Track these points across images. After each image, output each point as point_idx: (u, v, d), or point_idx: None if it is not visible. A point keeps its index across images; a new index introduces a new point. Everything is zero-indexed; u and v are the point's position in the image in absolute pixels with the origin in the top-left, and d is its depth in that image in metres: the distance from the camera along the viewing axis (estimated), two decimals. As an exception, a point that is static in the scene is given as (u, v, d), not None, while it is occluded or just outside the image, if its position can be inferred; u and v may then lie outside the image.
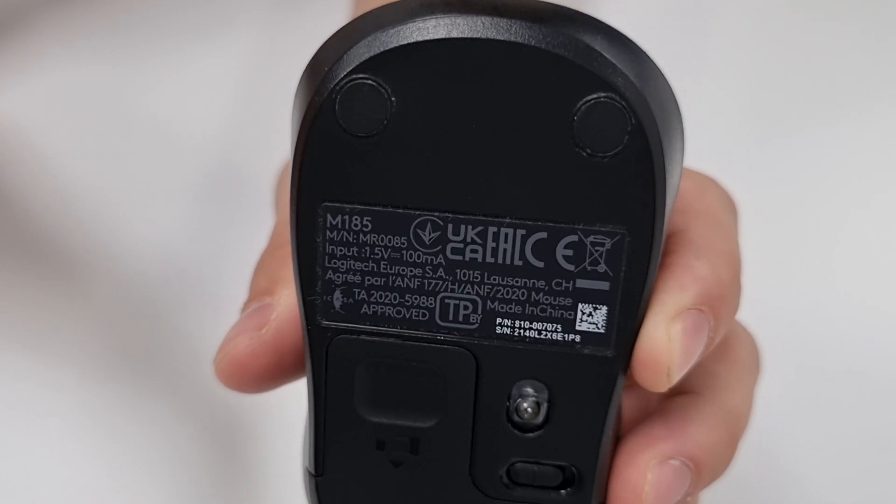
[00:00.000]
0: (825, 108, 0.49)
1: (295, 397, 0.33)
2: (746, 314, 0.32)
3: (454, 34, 0.24)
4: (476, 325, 0.27)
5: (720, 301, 0.27)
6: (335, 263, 0.26)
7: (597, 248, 0.26)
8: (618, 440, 0.29)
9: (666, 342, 0.26)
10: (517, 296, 0.26)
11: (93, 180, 0.49)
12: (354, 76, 0.25)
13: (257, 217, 0.40)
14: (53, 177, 0.49)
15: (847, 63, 0.50)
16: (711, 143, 0.48)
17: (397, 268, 0.26)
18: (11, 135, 0.50)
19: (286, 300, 0.29)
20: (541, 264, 0.26)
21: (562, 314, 0.26)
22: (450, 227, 0.26)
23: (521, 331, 0.27)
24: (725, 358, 0.31)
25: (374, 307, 0.27)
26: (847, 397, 0.45)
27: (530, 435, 0.27)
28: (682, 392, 0.30)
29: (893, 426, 0.44)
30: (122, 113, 0.51)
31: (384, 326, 0.27)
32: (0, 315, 0.47)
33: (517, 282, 0.26)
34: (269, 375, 0.29)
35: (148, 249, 0.48)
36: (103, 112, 0.51)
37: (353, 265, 0.26)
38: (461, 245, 0.26)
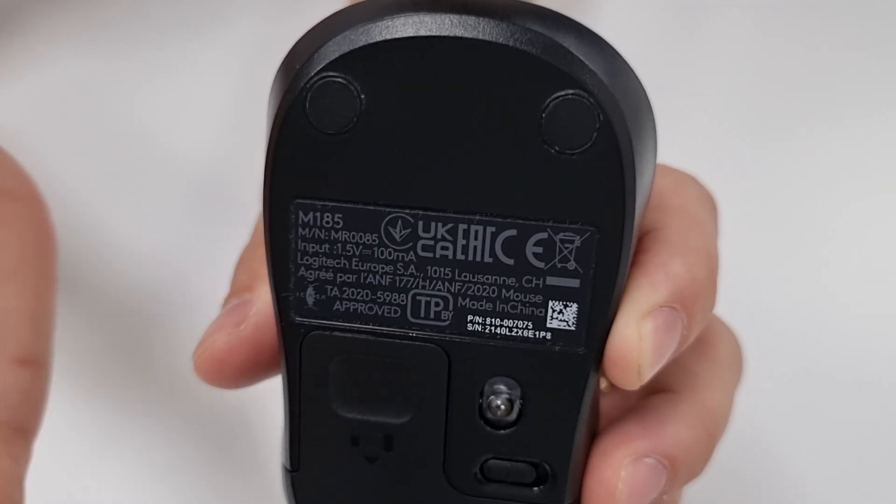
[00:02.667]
0: (819, 108, 0.49)
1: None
2: (732, 315, 0.32)
3: (422, 32, 0.24)
4: (447, 322, 0.27)
5: (694, 299, 0.27)
6: (307, 260, 0.27)
7: (566, 245, 0.26)
8: (594, 438, 0.29)
9: (636, 340, 0.26)
10: (488, 293, 0.26)
11: (79, 184, 0.49)
12: (324, 74, 0.25)
13: (248, 221, 0.40)
14: (38, 181, 0.49)
15: (839, 63, 0.50)
16: (705, 142, 0.48)
17: (369, 265, 0.26)
18: None
19: (266, 297, 0.29)
20: (511, 261, 0.26)
21: (532, 311, 0.26)
22: (420, 224, 0.26)
23: (493, 328, 0.27)
24: (705, 356, 0.31)
25: (346, 304, 0.27)
26: (837, 399, 0.44)
27: (503, 432, 0.27)
28: (660, 390, 0.30)
29: (884, 427, 0.44)
30: (110, 114, 0.50)
31: (356, 323, 0.27)
32: None
33: (487, 279, 0.26)
34: (247, 371, 0.29)
35: (137, 253, 0.47)
36: (90, 112, 0.50)
37: (326, 262, 0.27)
38: (432, 242, 0.26)
